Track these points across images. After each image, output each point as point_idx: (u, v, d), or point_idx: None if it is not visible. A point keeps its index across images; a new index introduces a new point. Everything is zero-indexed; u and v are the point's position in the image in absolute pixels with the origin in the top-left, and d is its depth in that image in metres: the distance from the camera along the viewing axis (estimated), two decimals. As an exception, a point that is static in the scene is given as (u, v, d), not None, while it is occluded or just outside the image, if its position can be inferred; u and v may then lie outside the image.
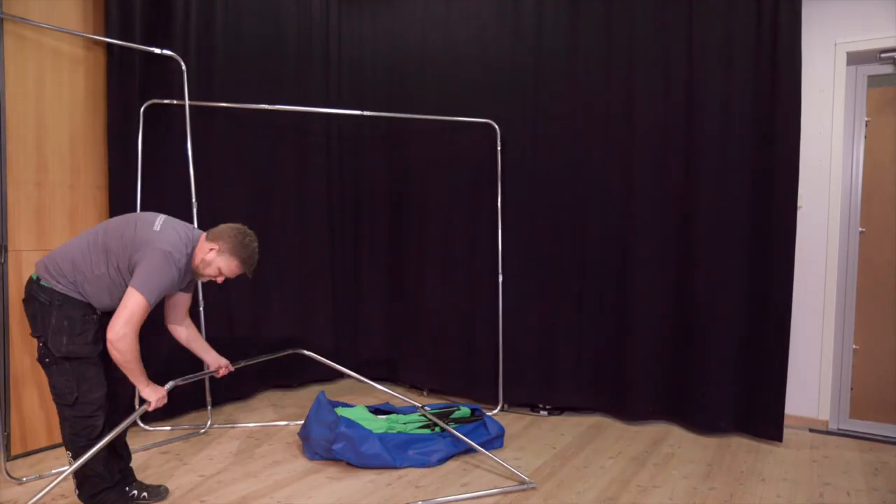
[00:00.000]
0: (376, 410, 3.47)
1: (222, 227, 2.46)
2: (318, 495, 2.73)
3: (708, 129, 3.55)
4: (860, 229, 3.64)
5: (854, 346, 3.67)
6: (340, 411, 3.30)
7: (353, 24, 4.72)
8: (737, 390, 3.55)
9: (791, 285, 3.38)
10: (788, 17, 3.34)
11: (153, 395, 2.37)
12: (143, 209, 3.41)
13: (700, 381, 3.60)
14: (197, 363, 3.02)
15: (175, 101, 3.57)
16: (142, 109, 3.45)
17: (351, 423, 3.04)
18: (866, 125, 3.62)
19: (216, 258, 2.41)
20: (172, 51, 3.53)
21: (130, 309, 2.22)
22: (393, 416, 3.38)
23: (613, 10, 3.78)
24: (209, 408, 3.65)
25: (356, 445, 2.94)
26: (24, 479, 2.82)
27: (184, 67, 3.56)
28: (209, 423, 3.58)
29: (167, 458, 3.12)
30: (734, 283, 3.51)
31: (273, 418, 3.81)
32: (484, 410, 3.53)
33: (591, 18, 3.83)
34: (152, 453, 3.19)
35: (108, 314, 2.35)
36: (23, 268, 3.07)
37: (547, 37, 3.93)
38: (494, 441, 3.28)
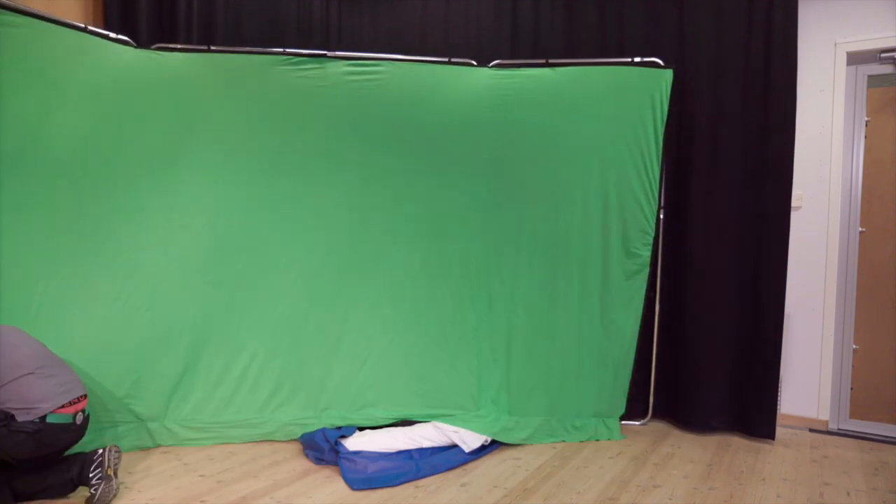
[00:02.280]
0: None
1: None
2: (318, 495, 2.73)
3: (700, 128, 3.57)
4: (860, 229, 3.64)
5: (854, 346, 3.67)
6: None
7: (353, 24, 4.72)
8: (730, 389, 3.58)
9: (784, 285, 3.40)
10: (783, 17, 3.36)
11: None
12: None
13: (693, 379, 3.61)
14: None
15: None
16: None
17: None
18: (866, 125, 3.62)
19: None
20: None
21: None
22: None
23: (607, 10, 3.83)
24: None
25: (364, 468, 2.92)
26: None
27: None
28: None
29: (167, 458, 3.12)
30: (727, 282, 3.54)
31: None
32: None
33: (585, 19, 3.89)
34: (152, 453, 3.19)
35: None
36: (23, 268, 3.06)
37: (544, 37, 3.98)
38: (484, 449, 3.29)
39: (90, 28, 3.17)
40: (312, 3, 4.53)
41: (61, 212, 3.03)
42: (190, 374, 3.28)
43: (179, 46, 3.38)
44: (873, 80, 3.60)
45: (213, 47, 3.37)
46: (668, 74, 3.42)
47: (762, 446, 3.40)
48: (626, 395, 3.59)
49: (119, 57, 3.18)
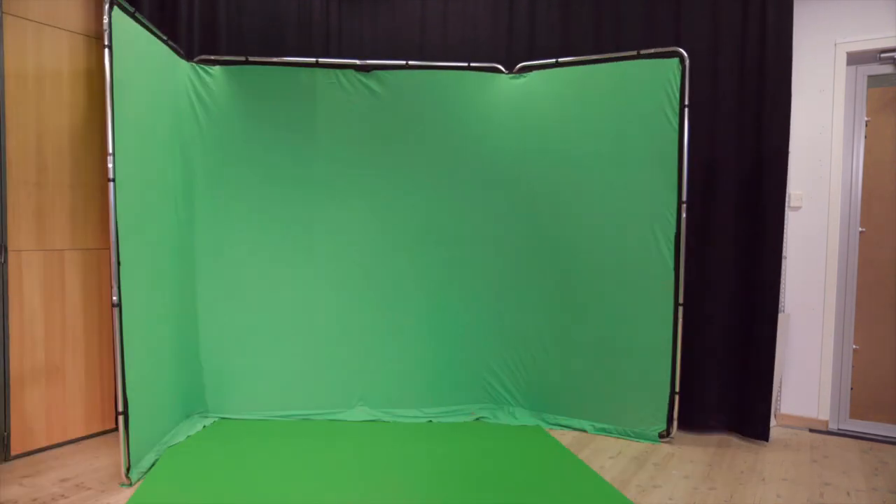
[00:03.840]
0: None
1: None
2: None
3: (696, 127, 3.57)
4: (860, 229, 3.64)
5: (854, 346, 3.67)
6: None
7: (352, 24, 4.73)
8: (726, 389, 3.60)
9: (778, 285, 3.40)
10: (777, 16, 3.37)
11: None
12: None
13: (692, 379, 3.62)
14: None
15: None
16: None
17: None
18: (866, 125, 3.62)
19: None
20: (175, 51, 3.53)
21: None
22: None
23: (604, 10, 3.85)
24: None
25: None
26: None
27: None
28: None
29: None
30: (722, 283, 3.55)
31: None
32: None
33: (582, 19, 3.91)
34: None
35: None
36: (23, 268, 3.08)
37: (541, 36, 4.00)
38: None
39: (170, 42, 3.34)
40: (312, 3, 4.53)
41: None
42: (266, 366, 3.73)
43: (219, 59, 3.60)
44: (873, 80, 3.60)
45: (250, 59, 3.62)
46: (674, 63, 3.36)
47: (762, 446, 3.39)
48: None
49: (180, 70, 3.49)
